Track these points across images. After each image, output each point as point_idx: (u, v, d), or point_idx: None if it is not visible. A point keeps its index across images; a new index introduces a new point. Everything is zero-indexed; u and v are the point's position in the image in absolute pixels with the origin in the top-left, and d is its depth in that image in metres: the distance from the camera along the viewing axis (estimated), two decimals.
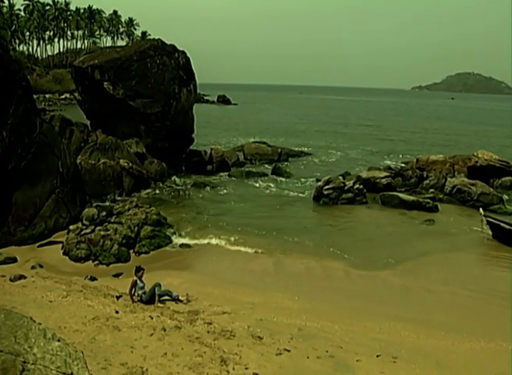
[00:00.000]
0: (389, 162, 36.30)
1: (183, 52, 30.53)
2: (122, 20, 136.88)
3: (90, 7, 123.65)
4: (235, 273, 14.91)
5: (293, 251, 16.70)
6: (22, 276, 13.01)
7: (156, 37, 32.32)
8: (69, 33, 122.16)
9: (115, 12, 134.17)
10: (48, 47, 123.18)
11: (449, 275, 15.00)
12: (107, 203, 20.75)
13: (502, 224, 18.43)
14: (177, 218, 19.95)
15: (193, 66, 31.09)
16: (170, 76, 28.81)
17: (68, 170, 18.53)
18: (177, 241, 17.14)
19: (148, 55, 28.54)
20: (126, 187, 24.07)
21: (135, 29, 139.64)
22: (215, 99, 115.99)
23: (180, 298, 11.93)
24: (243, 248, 16.71)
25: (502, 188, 26.82)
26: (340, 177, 25.43)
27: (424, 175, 27.91)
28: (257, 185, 28.01)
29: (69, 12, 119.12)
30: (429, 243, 18.18)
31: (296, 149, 40.95)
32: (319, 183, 24.58)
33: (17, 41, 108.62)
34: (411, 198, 23.46)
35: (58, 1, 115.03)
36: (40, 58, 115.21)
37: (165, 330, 9.59)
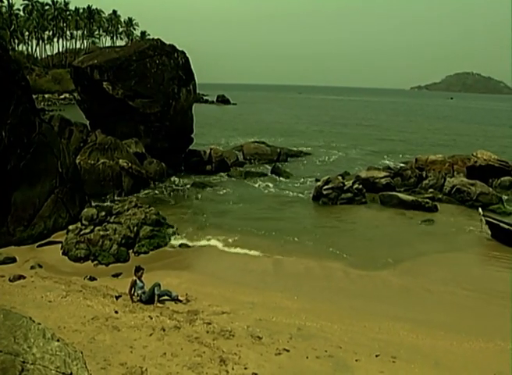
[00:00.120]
0: (388, 162, 36.31)
1: (183, 52, 30.53)
2: (122, 20, 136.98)
3: (89, 7, 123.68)
4: (234, 273, 14.91)
5: (292, 251, 16.70)
6: (21, 277, 13.01)
7: (155, 37, 32.35)
8: (68, 33, 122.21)
9: (114, 12, 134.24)
10: (47, 47, 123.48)
11: (448, 275, 15.01)
12: (106, 203, 20.77)
13: (501, 224, 18.44)
14: (176, 218, 19.95)
15: (192, 66, 31.11)
16: (169, 76, 28.81)
17: (67, 170, 18.53)
18: (176, 242, 17.10)
19: (147, 55, 28.53)
20: (125, 187, 24.07)
21: (134, 29, 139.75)
22: (215, 99, 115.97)
23: (179, 298, 11.93)
24: (242, 249, 16.69)
25: (501, 188, 26.83)
26: (339, 177, 25.45)
27: (424, 175, 27.93)
28: (257, 185, 28.02)
29: (68, 12, 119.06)
30: (428, 243, 18.20)
31: (296, 149, 40.95)
32: (318, 183, 24.58)
33: (16, 41, 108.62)
34: (410, 197, 23.47)
35: (57, 1, 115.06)
36: (39, 58, 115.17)
37: (164, 330, 9.60)
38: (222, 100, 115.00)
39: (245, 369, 8.27)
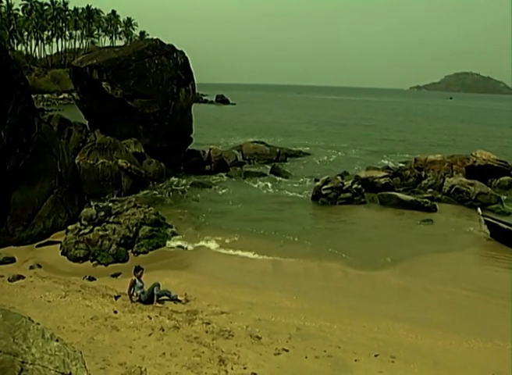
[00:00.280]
0: (387, 162, 36.32)
1: (182, 52, 30.51)
2: (121, 20, 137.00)
3: (88, 7, 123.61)
4: (233, 273, 14.91)
5: (291, 251, 16.69)
6: (20, 277, 13.01)
7: (154, 37, 32.33)
8: (67, 33, 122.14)
9: (113, 11, 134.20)
10: (47, 47, 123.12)
11: (447, 274, 15.02)
12: (105, 203, 20.75)
13: (500, 224, 18.47)
14: (176, 218, 19.95)
15: (191, 66, 31.11)
16: (168, 76, 28.80)
17: (66, 170, 18.52)
18: (175, 242, 17.09)
19: (147, 55, 28.52)
20: (124, 187, 24.07)
21: (133, 29, 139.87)
22: (214, 99, 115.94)
23: (179, 297, 11.93)
24: (241, 249, 16.67)
25: (500, 188, 26.86)
26: (339, 177, 25.46)
27: (423, 175, 27.95)
28: (256, 185, 28.01)
29: (67, 12, 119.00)
30: (427, 243, 18.21)
31: (295, 149, 40.95)
32: (318, 183, 24.59)
33: (15, 41, 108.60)
34: (409, 197, 23.48)
35: (56, 1, 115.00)
36: (38, 58, 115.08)
37: (163, 330, 9.61)
38: (222, 100, 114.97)
39: (244, 369, 8.28)
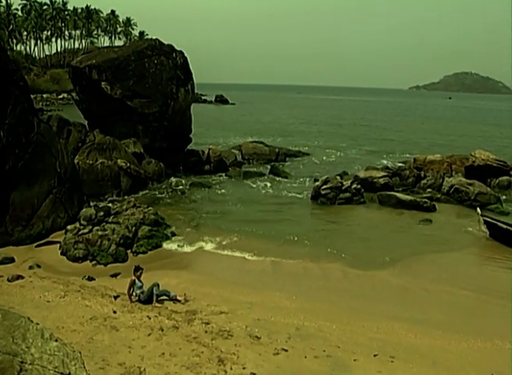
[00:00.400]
0: (386, 162, 36.34)
1: (181, 52, 30.51)
2: (120, 20, 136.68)
3: (87, 7, 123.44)
4: (232, 273, 14.91)
5: (290, 251, 16.70)
6: (19, 277, 13.01)
7: (154, 37, 32.32)
8: (66, 32, 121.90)
9: (112, 11, 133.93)
10: (46, 47, 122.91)
11: (446, 274, 15.03)
12: (104, 203, 20.75)
13: (499, 224, 18.48)
14: (175, 218, 19.96)
15: (190, 66, 31.10)
16: (168, 76, 28.80)
17: (65, 170, 18.52)
18: (173, 244, 17.08)
19: (146, 55, 28.51)
20: (123, 187, 24.06)
21: (133, 29, 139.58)
22: (213, 99, 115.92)
23: (178, 297, 11.93)
24: (240, 249, 16.68)
25: (499, 188, 26.88)
26: (338, 177, 25.47)
27: (422, 175, 27.96)
28: (255, 185, 28.02)
29: (66, 12, 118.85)
30: (426, 242, 18.23)
31: (294, 149, 40.96)
32: (317, 183, 24.61)
33: (14, 41, 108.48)
34: (409, 197, 23.50)
35: (55, 1, 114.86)
36: (37, 58, 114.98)
37: (162, 330, 9.61)
38: (221, 100, 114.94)
39: (243, 368, 8.28)
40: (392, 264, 15.76)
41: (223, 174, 30.41)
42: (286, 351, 9.21)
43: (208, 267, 15.51)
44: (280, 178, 30.03)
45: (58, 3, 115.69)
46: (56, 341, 5.25)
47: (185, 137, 31.30)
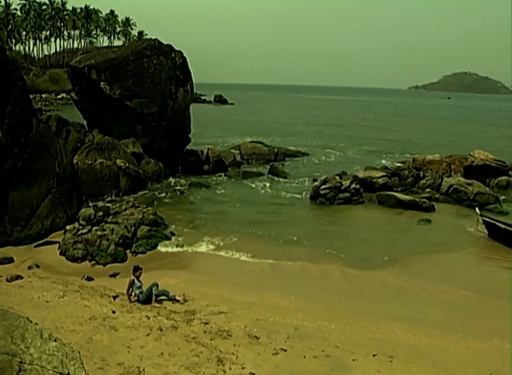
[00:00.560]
0: (385, 162, 36.37)
1: (180, 52, 30.51)
2: (119, 20, 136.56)
3: (86, 7, 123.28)
4: (231, 273, 14.92)
5: (289, 251, 16.70)
6: (18, 277, 13.01)
7: (153, 37, 32.32)
8: (65, 32, 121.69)
9: (111, 11, 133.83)
10: (45, 46, 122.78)
11: (445, 274, 15.05)
12: (103, 203, 20.74)
13: (498, 224, 18.49)
14: (174, 218, 19.95)
15: (189, 66, 31.10)
16: (167, 76, 28.79)
17: (64, 170, 18.51)
18: (173, 244, 17.07)
19: (145, 55, 28.51)
20: (122, 187, 24.06)
21: (132, 29, 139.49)
22: (212, 99, 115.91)
23: (177, 297, 11.93)
24: (239, 249, 16.67)
25: (498, 188, 26.93)
26: (337, 177, 25.48)
27: (421, 175, 27.98)
28: (254, 185, 28.02)
29: (65, 12, 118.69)
30: (425, 242, 18.24)
31: (293, 149, 40.97)
32: (316, 183, 24.62)
33: (13, 41, 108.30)
34: (408, 197, 23.51)
35: (54, 1, 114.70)
36: (36, 57, 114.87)
37: (161, 330, 9.61)
38: (220, 100, 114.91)
39: (242, 368, 8.29)
40: (391, 264, 15.77)
41: (222, 174, 30.41)
42: (285, 351, 9.21)
43: (207, 267, 15.51)
44: (279, 178, 30.03)
45: (57, 3, 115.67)
46: (55, 341, 5.25)
47: (184, 137, 31.30)
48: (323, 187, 23.80)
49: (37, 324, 5.31)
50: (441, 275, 14.95)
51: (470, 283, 14.37)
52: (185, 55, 30.78)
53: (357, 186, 24.33)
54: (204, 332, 9.77)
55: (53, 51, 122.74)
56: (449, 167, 29.92)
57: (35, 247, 16.23)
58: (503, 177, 27.74)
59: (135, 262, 14.30)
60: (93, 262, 15.15)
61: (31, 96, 21.82)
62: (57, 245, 16.04)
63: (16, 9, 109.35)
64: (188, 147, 32.18)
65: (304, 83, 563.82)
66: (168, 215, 19.85)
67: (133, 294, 11.83)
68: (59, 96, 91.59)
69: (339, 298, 12.94)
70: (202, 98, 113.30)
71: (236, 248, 16.70)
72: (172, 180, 27.83)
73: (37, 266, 14.47)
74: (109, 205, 18.54)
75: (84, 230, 16.03)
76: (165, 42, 30.27)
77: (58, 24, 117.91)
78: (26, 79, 23.45)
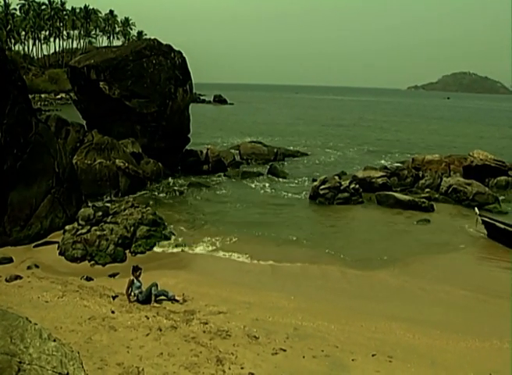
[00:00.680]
0: (384, 162, 36.38)
1: (179, 52, 30.50)
2: (119, 20, 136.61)
3: (86, 7, 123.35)
4: (231, 273, 14.91)
5: (289, 252, 16.71)
6: (18, 277, 13.00)
7: (152, 37, 32.31)
8: (64, 32, 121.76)
9: (111, 11, 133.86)
10: (44, 46, 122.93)
11: (444, 274, 15.06)
12: (103, 203, 20.73)
13: (497, 223, 18.50)
14: (173, 218, 19.96)
15: (189, 66, 31.09)
16: (166, 76, 28.79)
17: (64, 170, 18.50)
18: (172, 244, 17.07)
19: (144, 55, 28.50)
20: (122, 187, 24.05)
21: (131, 29, 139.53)
22: (212, 99, 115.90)
23: (176, 297, 11.93)
24: (238, 249, 16.67)
25: (497, 188, 26.96)
26: (336, 177, 25.50)
27: (420, 175, 27.99)
28: (253, 185, 28.02)
29: (64, 12, 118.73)
30: (425, 242, 18.25)
31: (293, 149, 40.99)
32: (315, 183, 24.63)
33: (13, 41, 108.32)
34: (407, 197, 23.52)
35: (53, 1, 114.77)
36: (35, 57, 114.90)
37: (161, 330, 9.61)
38: (219, 100, 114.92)
39: (242, 368, 8.29)
40: (390, 264, 15.78)
41: (221, 174, 30.40)
42: (285, 351, 9.22)
43: (207, 267, 15.51)
44: (279, 178, 30.03)
45: (57, 3, 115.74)
46: (54, 341, 5.26)
47: (183, 137, 31.29)
48: (322, 187, 23.81)
49: (36, 324, 5.31)
50: (440, 275, 14.96)
51: (469, 283, 14.38)
52: (184, 55, 30.79)
53: (357, 186, 24.34)
54: (204, 332, 9.77)
55: (52, 51, 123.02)
56: (449, 167, 29.95)
57: (34, 247, 16.21)
58: (503, 177, 27.76)
59: (134, 262, 14.30)
60: (92, 262, 15.14)
61: (30, 96, 21.80)
62: (56, 245, 16.02)
63: (15, 9, 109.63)
64: (187, 147, 32.17)
65: (304, 83, 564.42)
66: (167, 215, 19.85)
67: (132, 294, 11.83)
68: (58, 96, 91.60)
69: (338, 298, 12.95)
70: (201, 97, 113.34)
71: (236, 248, 16.70)
72: (171, 180, 27.83)
73: (37, 266, 14.46)
74: (108, 205, 18.53)
75: (83, 230, 16.02)
76: (164, 42, 30.29)
77: (58, 24, 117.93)
78: (26, 79, 23.43)
